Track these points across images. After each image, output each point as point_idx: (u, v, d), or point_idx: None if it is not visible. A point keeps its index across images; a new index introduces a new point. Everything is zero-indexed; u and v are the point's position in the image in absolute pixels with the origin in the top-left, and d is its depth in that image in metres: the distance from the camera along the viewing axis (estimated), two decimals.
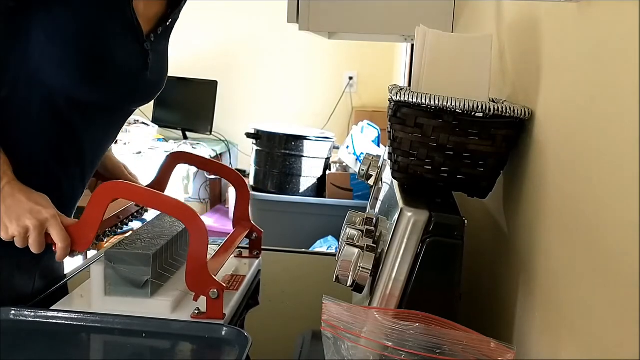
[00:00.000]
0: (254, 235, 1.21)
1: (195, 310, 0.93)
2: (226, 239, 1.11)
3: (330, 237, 2.53)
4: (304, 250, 1.73)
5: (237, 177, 1.21)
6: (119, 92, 1.04)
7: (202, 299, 0.92)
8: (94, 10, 0.95)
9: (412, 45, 2.22)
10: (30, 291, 1.06)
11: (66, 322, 0.91)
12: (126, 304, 0.94)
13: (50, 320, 0.91)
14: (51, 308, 0.94)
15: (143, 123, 3.78)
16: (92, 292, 0.96)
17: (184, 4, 1.10)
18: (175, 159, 1.24)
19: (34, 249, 0.91)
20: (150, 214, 1.19)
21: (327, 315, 0.69)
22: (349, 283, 0.80)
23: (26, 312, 0.92)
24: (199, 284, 0.91)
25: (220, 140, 3.88)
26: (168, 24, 1.10)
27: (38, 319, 0.91)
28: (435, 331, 0.66)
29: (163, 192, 1.16)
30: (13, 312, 0.92)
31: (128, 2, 0.99)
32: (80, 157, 1.06)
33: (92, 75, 0.97)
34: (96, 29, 0.96)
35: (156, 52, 1.08)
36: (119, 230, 1.14)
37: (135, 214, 1.20)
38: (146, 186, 1.15)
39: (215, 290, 0.91)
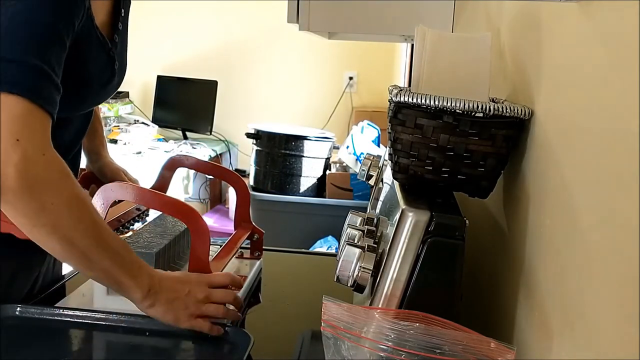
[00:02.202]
0: (255, 236, 1.21)
1: None
2: (228, 240, 1.11)
3: (330, 237, 2.53)
4: (304, 250, 1.73)
5: (237, 179, 1.21)
6: (90, 105, 1.04)
7: None
8: (75, 40, 0.88)
9: (412, 45, 2.22)
10: (32, 291, 1.06)
11: (71, 320, 0.92)
12: (128, 303, 0.94)
13: (56, 318, 0.92)
14: (55, 305, 0.94)
15: (143, 123, 3.78)
16: (94, 292, 0.96)
17: None
18: (175, 163, 1.24)
19: (227, 299, 0.91)
20: (151, 218, 1.19)
21: (327, 315, 0.69)
22: (349, 283, 0.80)
23: (32, 310, 0.93)
24: None
25: (220, 140, 3.88)
26: (122, 14, 1.04)
27: (44, 316, 0.92)
28: (436, 331, 0.66)
29: None
30: (19, 309, 0.92)
31: (92, 23, 0.93)
32: (60, 152, 1.05)
33: (72, 101, 0.95)
34: (79, 61, 0.92)
35: (120, 55, 1.04)
36: (120, 234, 1.14)
37: (137, 217, 1.20)
38: None
39: None
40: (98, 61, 0.97)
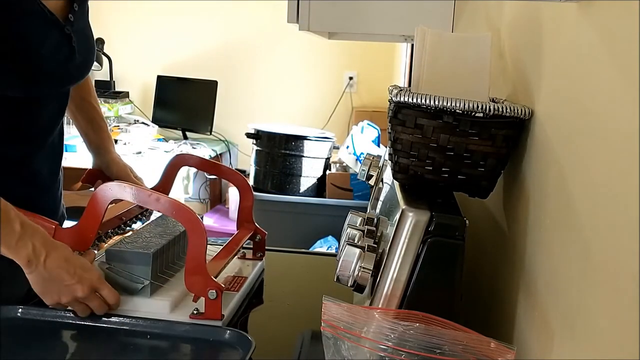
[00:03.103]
0: (257, 237, 1.21)
1: (194, 310, 0.93)
2: (229, 240, 1.11)
3: (330, 237, 2.53)
4: (304, 250, 1.73)
5: (241, 179, 1.21)
6: (50, 84, 1.04)
7: (202, 300, 0.92)
8: (8, 15, 0.92)
9: (412, 45, 2.22)
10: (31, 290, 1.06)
11: (72, 322, 0.91)
12: (125, 302, 0.94)
13: (57, 320, 0.92)
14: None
15: (143, 123, 3.78)
16: None
17: None
18: (180, 161, 1.24)
19: (99, 311, 0.91)
20: (155, 216, 1.19)
21: (327, 315, 0.69)
22: (349, 283, 0.80)
23: (34, 311, 0.93)
24: (198, 284, 0.91)
25: (220, 140, 3.88)
26: None
27: (45, 318, 0.92)
28: (435, 331, 0.66)
29: (167, 194, 1.16)
30: (20, 310, 0.92)
31: (35, 1, 0.95)
32: (39, 134, 1.07)
33: (23, 79, 0.97)
34: (17, 36, 0.94)
35: (79, 32, 1.06)
36: (121, 232, 1.14)
37: (140, 215, 1.20)
38: (151, 189, 1.15)
39: (214, 291, 0.91)
40: (49, 39, 0.99)
